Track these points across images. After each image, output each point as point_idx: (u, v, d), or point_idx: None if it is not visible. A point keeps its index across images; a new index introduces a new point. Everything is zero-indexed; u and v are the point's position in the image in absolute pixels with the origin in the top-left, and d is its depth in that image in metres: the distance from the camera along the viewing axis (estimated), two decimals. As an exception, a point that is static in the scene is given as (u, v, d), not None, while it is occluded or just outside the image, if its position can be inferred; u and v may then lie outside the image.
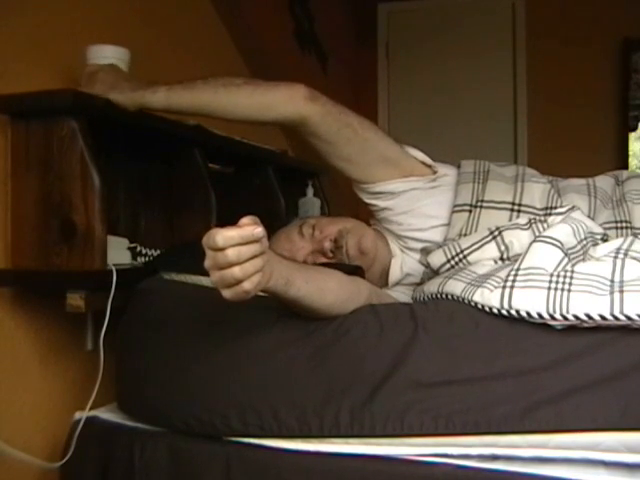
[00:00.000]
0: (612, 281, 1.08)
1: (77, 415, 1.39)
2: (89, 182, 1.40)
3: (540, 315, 1.08)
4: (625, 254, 1.13)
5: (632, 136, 4.03)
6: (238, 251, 0.89)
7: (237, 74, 2.69)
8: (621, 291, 1.05)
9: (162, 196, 1.88)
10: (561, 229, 1.21)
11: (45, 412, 1.60)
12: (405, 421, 1.11)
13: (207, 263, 0.92)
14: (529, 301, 1.09)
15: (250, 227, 0.90)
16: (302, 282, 1.10)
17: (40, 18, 1.61)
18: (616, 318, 1.04)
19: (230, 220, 1.30)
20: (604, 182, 1.61)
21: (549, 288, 1.09)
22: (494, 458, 1.09)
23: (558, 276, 1.11)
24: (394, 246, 1.67)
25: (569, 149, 3.94)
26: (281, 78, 3.02)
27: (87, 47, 1.57)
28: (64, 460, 1.34)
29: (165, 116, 1.72)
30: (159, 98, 1.45)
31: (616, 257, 1.12)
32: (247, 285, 0.91)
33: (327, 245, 1.60)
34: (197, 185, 1.84)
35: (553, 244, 1.16)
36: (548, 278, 1.11)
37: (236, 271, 0.90)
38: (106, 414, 1.41)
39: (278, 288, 1.04)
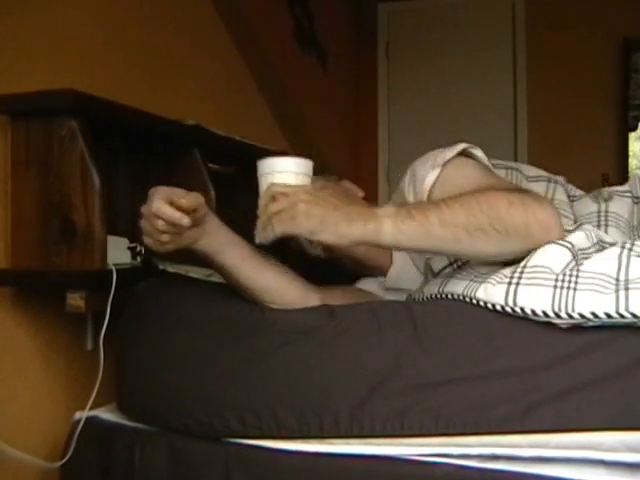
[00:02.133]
0: (617, 279, 1.07)
1: (77, 415, 1.39)
2: (89, 182, 1.41)
3: (545, 313, 1.07)
4: (630, 249, 1.12)
5: (632, 136, 4.03)
6: (166, 227, 1.15)
7: (237, 73, 2.72)
8: (627, 289, 1.04)
9: (162, 196, 1.88)
10: (574, 234, 1.19)
11: (45, 412, 1.60)
12: (405, 421, 1.10)
13: (142, 208, 1.17)
14: (534, 299, 1.08)
15: (179, 216, 1.13)
16: (237, 258, 1.29)
17: (40, 17, 1.61)
18: (622, 316, 1.03)
19: (230, 220, 1.31)
20: (619, 205, 1.49)
21: (555, 287, 1.08)
22: (494, 458, 1.09)
23: (564, 275, 1.10)
24: (397, 254, 1.60)
25: (569, 149, 3.95)
26: (281, 78, 3.05)
27: (261, 160, 1.20)
28: (64, 460, 1.34)
29: (164, 116, 1.73)
30: (385, 236, 1.11)
31: (621, 254, 1.12)
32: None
33: None
34: (197, 185, 1.83)
35: (564, 245, 1.15)
36: (554, 277, 1.10)
37: (164, 237, 1.17)
38: (106, 414, 1.41)
39: (207, 252, 1.27)
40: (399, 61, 4.45)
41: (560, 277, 1.10)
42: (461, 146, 1.35)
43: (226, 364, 1.24)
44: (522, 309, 1.09)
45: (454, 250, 1.16)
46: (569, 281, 1.08)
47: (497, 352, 1.11)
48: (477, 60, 4.23)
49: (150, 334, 1.34)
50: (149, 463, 1.28)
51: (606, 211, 1.47)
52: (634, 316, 1.02)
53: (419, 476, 1.12)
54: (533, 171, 1.63)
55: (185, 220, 1.13)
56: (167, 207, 1.13)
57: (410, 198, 1.39)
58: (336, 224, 1.10)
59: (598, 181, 3.70)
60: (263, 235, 1.14)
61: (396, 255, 1.59)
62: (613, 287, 1.06)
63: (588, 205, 1.51)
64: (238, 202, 2.15)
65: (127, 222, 1.81)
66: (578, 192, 1.60)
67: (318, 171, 1.74)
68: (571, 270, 1.11)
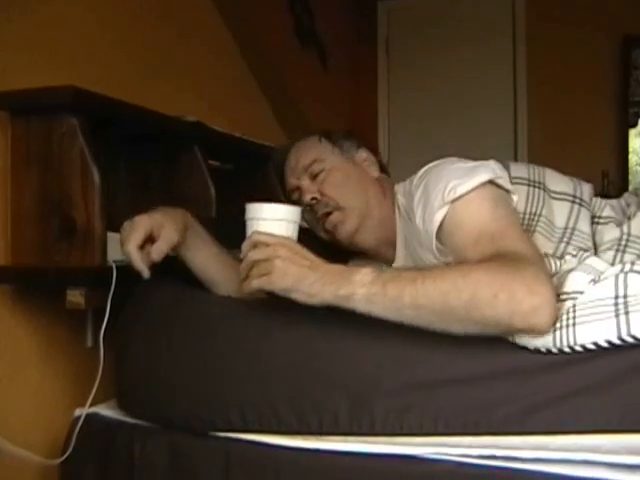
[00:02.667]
0: (616, 297, 1.06)
1: (77, 412, 1.39)
2: (89, 179, 1.41)
3: (548, 350, 1.07)
4: (632, 266, 1.10)
5: (632, 132, 4.02)
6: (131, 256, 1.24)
7: (237, 70, 2.72)
8: (627, 313, 1.03)
9: (162, 192, 1.88)
10: (574, 278, 1.16)
11: (45, 409, 1.60)
12: (404, 421, 1.10)
13: (125, 224, 1.27)
14: (535, 340, 1.08)
15: (141, 268, 1.24)
16: (197, 258, 1.39)
17: (41, 14, 1.61)
18: (624, 341, 1.03)
19: (230, 217, 1.31)
20: None
21: (554, 330, 1.07)
22: (494, 458, 1.09)
23: (561, 315, 1.09)
24: (399, 252, 1.53)
25: (569, 145, 3.94)
26: (281, 74, 3.05)
27: (249, 204, 1.23)
28: (64, 457, 1.34)
29: (165, 113, 1.73)
30: (356, 304, 1.09)
31: (618, 273, 1.10)
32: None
33: (307, 198, 1.53)
34: (197, 181, 1.84)
35: (566, 300, 1.11)
36: None
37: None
38: (106, 411, 1.41)
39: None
40: (399, 58, 4.44)
41: (558, 319, 1.08)
42: (478, 180, 1.23)
43: (227, 360, 1.24)
44: (524, 346, 1.08)
45: (421, 322, 1.09)
46: (567, 319, 1.07)
47: (497, 354, 1.10)
48: (477, 56, 4.22)
49: (150, 331, 1.34)
50: (149, 459, 1.28)
51: (628, 234, 1.38)
52: (636, 339, 1.02)
53: (419, 473, 1.11)
54: (559, 183, 1.49)
55: (145, 274, 1.24)
56: (135, 254, 1.23)
57: (418, 217, 1.34)
58: (310, 285, 1.11)
59: (598, 177, 3.70)
60: (243, 285, 1.16)
61: (399, 253, 1.54)
62: (613, 309, 1.05)
63: (611, 231, 1.42)
64: (238, 199, 2.15)
65: (127, 219, 1.81)
66: (606, 210, 1.48)
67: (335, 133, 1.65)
68: (567, 308, 1.09)
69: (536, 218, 1.42)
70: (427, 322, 1.07)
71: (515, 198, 1.31)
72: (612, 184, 3.74)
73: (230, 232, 1.41)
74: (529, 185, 1.45)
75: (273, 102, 3.01)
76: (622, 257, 1.33)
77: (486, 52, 4.22)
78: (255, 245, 1.15)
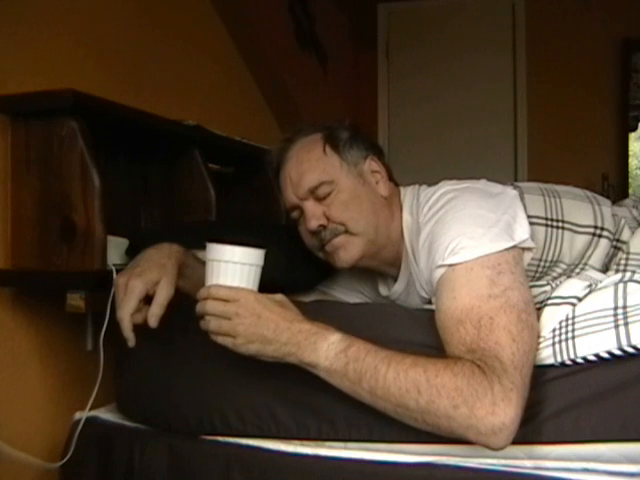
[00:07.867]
0: (615, 308, 1.07)
1: (77, 415, 1.39)
2: (89, 182, 1.40)
3: (552, 364, 1.08)
4: (630, 279, 1.11)
5: (632, 136, 4.02)
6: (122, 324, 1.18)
7: (237, 74, 2.72)
8: (626, 324, 1.04)
9: (162, 196, 1.88)
10: (573, 284, 1.17)
11: (45, 412, 1.60)
12: (403, 428, 1.10)
13: (119, 279, 1.19)
14: (537, 357, 1.07)
15: (128, 336, 1.17)
16: (188, 286, 1.28)
17: (41, 18, 1.61)
18: (624, 351, 1.04)
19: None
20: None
21: (553, 343, 1.08)
22: (493, 467, 1.09)
23: (560, 328, 1.09)
24: (402, 276, 1.44)
25: (569, 149, 3.94)
26: (281, 78, 3.05)
27: (210, 244, 1.12)
28: (64, 460, 1.34)
29: (165, 116, 1.73)
30: (320, 373, 1.07)
31: (617, 283, 1.11)
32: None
33: (312, 224, 1.35)
34: (197, 185, 1.84)
35: (562, 304, 1.13)
36: (551, 334, 1.10)
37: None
38: (106, 414, 1.41)
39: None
40: (399, 61, 4.45)
41: (557, 332, 1.09)
42: (487, 248, 1.11)
43: (227, 363, 1.24)
44: None
45: (373, 405, 1.06)
46: (566, 332, 1.08)
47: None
48: (477, 60, 4.22)
49: (149, 334, 1.34)
50: (149, 463, 1.28)
51: (627, 253, 1.33)
52: (636, 349, 1.03)
53: (418, 478, 1.11)
54: (579, 213, 1.37)
55: (131, 343, 1.18)
56: (127, 323, 1.16)
57: (422, 262, 1.28)
58: (275, 350, 1.07)
59: (598, 181, 3.70)
60: (202, 326, 1.12)
61: (401, 278, 1.44)
62: (612, 320, 1.06)
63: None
64: (237, 202, 2.16)
65: (127, 222, 1.82)
66: (625, 234, 1.38)
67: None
68: (567, 319, 1.10)
69: (548, 264, 1.33)
70: (382, 409, 1.04)
71: (532, 245, 1.20)
72: (612, 187, 3.75)
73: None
74: (547, 225, 1.34)
75: (273, 105, 3.01)
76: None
77: (486, 55, 4.22)
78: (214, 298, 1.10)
